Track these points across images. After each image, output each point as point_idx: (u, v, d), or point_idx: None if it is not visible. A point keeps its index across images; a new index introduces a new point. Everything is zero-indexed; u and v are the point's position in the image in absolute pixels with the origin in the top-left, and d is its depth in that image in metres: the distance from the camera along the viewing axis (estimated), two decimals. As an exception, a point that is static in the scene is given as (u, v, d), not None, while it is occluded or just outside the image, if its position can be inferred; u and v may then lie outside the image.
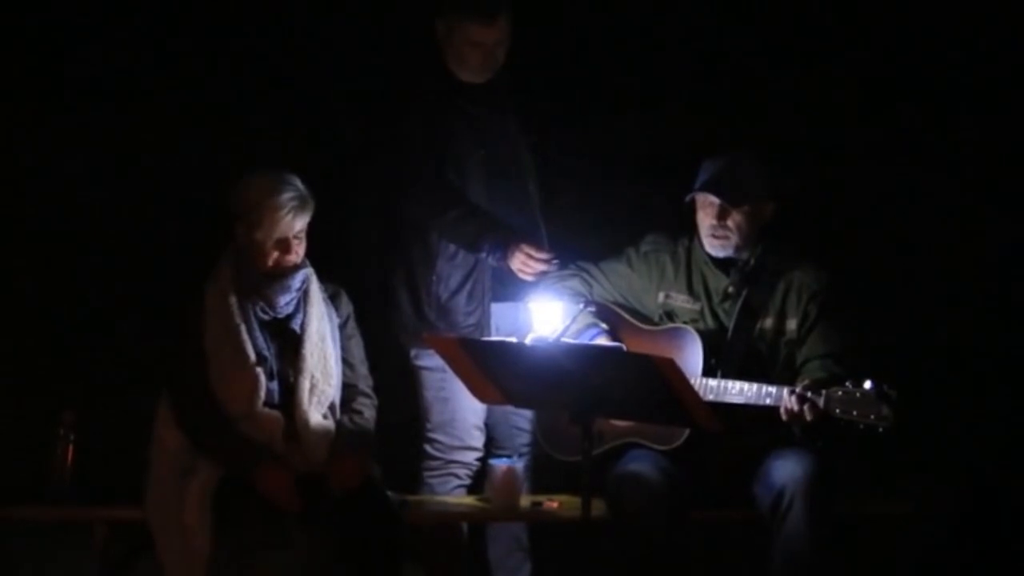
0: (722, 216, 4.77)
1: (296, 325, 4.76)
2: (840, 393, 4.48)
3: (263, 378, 4.67)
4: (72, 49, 5.55)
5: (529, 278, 5.03)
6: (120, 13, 5.55)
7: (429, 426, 5.22)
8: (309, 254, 4.78)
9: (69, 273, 5.50)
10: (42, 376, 5.41)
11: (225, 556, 4.54)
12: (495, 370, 4.37)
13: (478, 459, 5.24)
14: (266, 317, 4.74)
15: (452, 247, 5.12)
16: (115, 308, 5.47)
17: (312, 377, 4.72)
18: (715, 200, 4.76)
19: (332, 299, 4.87)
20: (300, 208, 4.68)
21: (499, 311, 5.18)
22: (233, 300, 4.70)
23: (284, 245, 4.68)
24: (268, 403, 4.68)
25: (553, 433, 4.93)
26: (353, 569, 4.57)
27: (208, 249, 4.83)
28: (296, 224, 4.68)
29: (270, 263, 4.69)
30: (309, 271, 4.80)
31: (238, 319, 4.69)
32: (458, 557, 5.18)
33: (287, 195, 4.67)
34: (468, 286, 5.13)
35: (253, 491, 4.54)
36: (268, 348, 4.72)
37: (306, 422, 4.69)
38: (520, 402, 4.66)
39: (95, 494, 4.84)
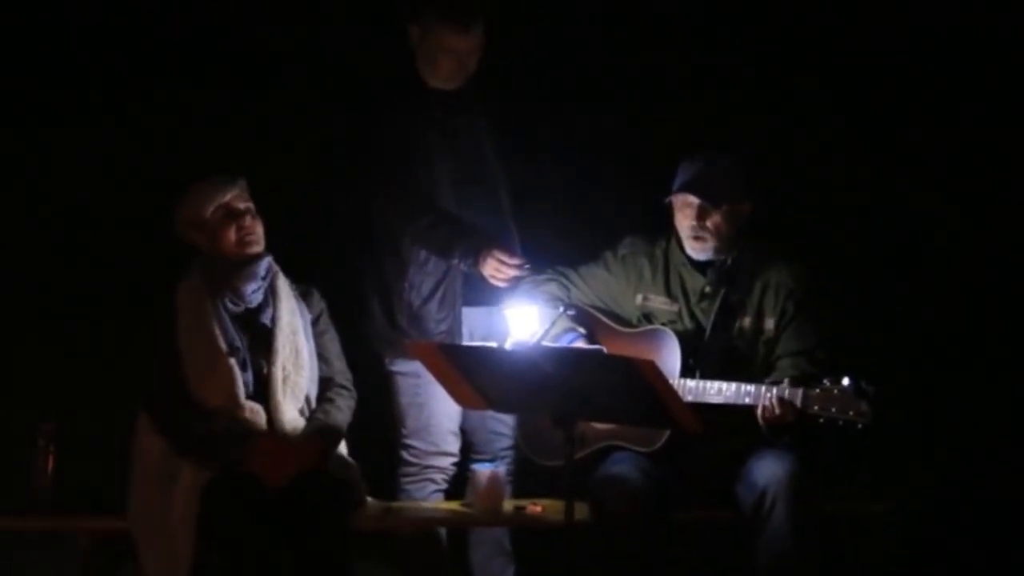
0: (701, 217, 4.78)
1: (266, 319, 4.80)
2: (818, 391, 4.51)
3: (237, 368, 4.69)
4: (45, 53, 5.54)
5: (501, 284, 5.03)
6: (95, 13, 5.54)
7: (405, 432, 5.22)
8: (286, 257, 4.84)
9: (47, 283, 5.47)
10: (22, 386, 5.39)
11: (210, 562, 4.53)
12: (476, 375, 4.36)
13: (454, 464, 5.25)
14: (236, 309, 4.78)
15: (423, 254, 5.12)
16: (93, 318, 5.44)
17: (284, 368, 4.75)
18: (694, 201, 4.78)
19: (303, 297, 4.92)
20: (228, 180, 4.78)
21: (472, 315, 5.19)
22: (204, 296, 4.75)
23: (234, 213, 4.76)
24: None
25: (535, 437, 4.94)
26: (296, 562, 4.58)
27: (180, 258, 4.86)
28: (229, 191, 4.76)
29: (232, 240, 4.75)
30: (272, 261, 4.84)
31: (209, 313, 4.72)
32: (439, 563, 5.18)
33: (209, 177, 4.80)
34: (439, 293, 5.13)
35: (238, 498, 4.54)
36: (240, 340, 4.75)
37: (281, 414, 4.72)
38: (502, 407, 4.65)
39: (76, 504, 4.85)
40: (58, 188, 5.49)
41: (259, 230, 4.79)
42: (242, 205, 4.78)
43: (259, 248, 4.79)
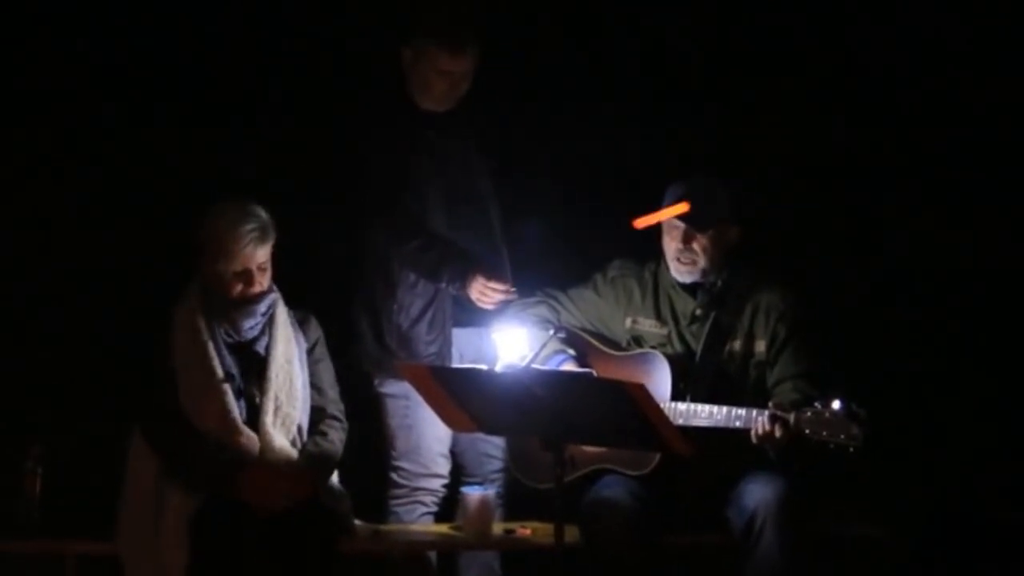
0: (687, 240, 4.77)
1: (261, 347, 4.78)
2: (809, 414, 4.49)
3: (231, 394, 4.67)
4: (31, 79, 5.55)
5: (489, 307, 5.02)
6: (95, 38, 5.55)
7: (394, 454, 5.21)
8: (277, 279, 4.79)
9: (35, 305, 5.47)
10: (9, 409, 5.38)
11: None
12: (467, 397, 4.35)
13: (444, 486, 5.23)
14: (230, 340, 4.76)
15: (412, 276, 5.11)
16: (81, 341, 5.44)
17: (276, 399, 4.73)
18: (680, 224, 4.77)
19: (301, 324, 4.89)
20: (260, 239, 4.68)
21: (462, 336, 5.18)
22: (201, 320, 4.71)
23: (247, 276, 4.69)
24: (233, 422, 4.73)
25: (524, 460, 4.93)
26: None
27: (174, 281, 4.84)
28: (257, 254, 4.69)
29: (234, 294, 4.70)
30: (276, 296, 4.81)
31: (206, 336, 4.70)
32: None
33: (247, 227, 4.67)
34: (429, 314, 5.12)
35: (230, 525, 4.53)
36: (234, 367, 4.73)
37: (270, 443, 4.70)
38: (492, 429, 4.63)
39: (63, 527, 4.84)
40: (45, 211, 5.49)
41: (266, 280, 4.74)
42: (262, 264, 4.70)
43: (260, 291, 4.74)
